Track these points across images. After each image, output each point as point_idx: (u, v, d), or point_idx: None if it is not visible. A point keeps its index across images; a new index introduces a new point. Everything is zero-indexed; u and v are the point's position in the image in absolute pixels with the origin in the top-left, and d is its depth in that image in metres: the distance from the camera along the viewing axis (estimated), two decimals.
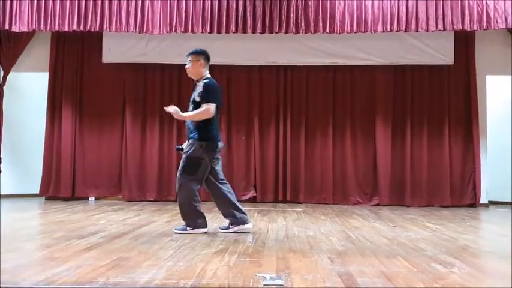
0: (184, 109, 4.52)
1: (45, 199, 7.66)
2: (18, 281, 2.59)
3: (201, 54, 4.47)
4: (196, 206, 4.41)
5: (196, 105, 4.38)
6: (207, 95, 4.33)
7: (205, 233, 4.41)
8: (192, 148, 4.35)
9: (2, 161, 7.71)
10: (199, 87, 4.40)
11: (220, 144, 4.51)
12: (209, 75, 4.50)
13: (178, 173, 4.40)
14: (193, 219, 4.43)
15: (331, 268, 3.09)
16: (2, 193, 7.62)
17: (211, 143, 4.37)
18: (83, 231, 4.43)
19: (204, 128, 4.35)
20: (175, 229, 4.51)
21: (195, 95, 4.41)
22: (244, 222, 4.56)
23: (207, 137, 4.35)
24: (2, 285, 2.49)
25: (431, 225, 5.32)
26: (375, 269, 3.08)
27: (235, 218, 4.55)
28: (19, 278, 2.67)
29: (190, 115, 4.38)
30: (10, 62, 7.78)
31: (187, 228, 4.43)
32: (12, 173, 7.93)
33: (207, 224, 4.50)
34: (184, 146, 4.47)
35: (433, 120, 7.73)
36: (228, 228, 4.57)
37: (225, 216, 4.64)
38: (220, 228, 4.63)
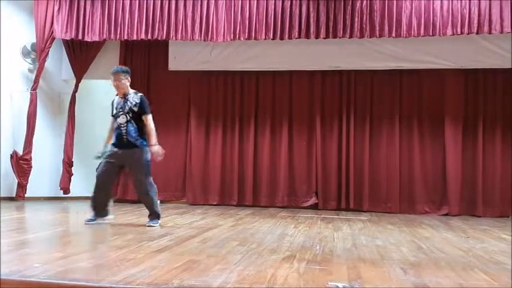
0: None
1: (114, 201, 7.92)
2: (99, 279, 2.68)
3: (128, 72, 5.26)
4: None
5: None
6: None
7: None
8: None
9: (74, 164, 8.08)
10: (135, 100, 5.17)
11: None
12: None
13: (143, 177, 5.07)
14: (159, 211, 5.19)
15: (405, 279, 2.98)
16: (74, 195, 7.99)
17: None
18: (153, 233, 4.55)
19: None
20: (150, 224, 5.04)
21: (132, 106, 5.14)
22: None
23: None
24: (2, 277, 2.58)
25: (508, 237, 5.03)
26: (452, 281, 2.94)
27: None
28: (99, 276, 2.76)
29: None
30: (82, 70, 8.15)
31: (158, 220, 5.11)
32: (83, 176, 8.27)
33: None
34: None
35: (507, 125, 7.32)
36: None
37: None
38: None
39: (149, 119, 5.12)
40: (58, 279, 2.65)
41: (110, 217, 5.24)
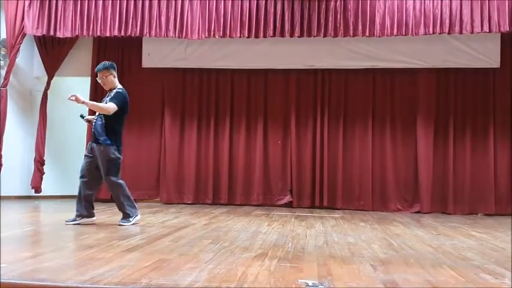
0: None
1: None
2: (64, 279, 2.63)
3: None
4: (130, 197, 5.08)
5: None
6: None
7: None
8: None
9: (45, 162, 7.93)
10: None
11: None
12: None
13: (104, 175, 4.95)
14: (132, 210, 5.04)
15: (375, 276, 3.01)
16: (45, 194, 7.85)
17: None
18: (124, 232, 4.50)
19: None
20: (121, 223, 4.96)
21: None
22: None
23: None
24: (2, 280, 2.53)
25: (477, 234, 5.14)
26: (421, 278, 2.98)
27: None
28: (64, 277, 2.71)
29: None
30: (54, 67, 8.00)
31: (130, 219, 4.98)
32: (55, 175, 8.14)
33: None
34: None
35: (478, 124, 7.48)
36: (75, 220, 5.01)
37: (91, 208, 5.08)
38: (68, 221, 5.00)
39: (109, 103, 4.93)
40: (23, 279, 2.59)
41: (93, 218, 5.09)
